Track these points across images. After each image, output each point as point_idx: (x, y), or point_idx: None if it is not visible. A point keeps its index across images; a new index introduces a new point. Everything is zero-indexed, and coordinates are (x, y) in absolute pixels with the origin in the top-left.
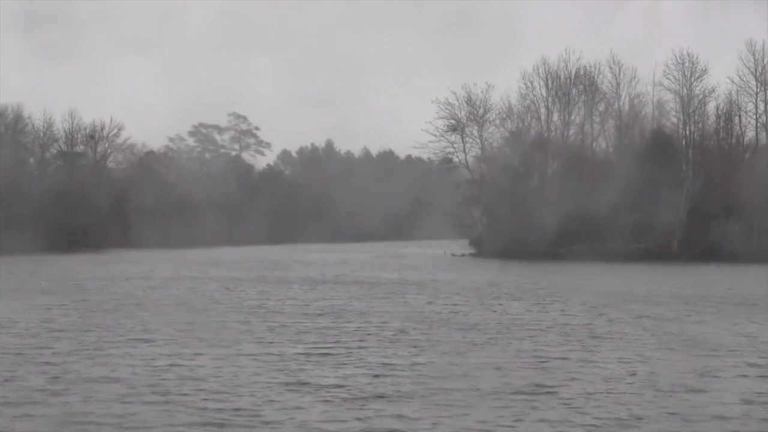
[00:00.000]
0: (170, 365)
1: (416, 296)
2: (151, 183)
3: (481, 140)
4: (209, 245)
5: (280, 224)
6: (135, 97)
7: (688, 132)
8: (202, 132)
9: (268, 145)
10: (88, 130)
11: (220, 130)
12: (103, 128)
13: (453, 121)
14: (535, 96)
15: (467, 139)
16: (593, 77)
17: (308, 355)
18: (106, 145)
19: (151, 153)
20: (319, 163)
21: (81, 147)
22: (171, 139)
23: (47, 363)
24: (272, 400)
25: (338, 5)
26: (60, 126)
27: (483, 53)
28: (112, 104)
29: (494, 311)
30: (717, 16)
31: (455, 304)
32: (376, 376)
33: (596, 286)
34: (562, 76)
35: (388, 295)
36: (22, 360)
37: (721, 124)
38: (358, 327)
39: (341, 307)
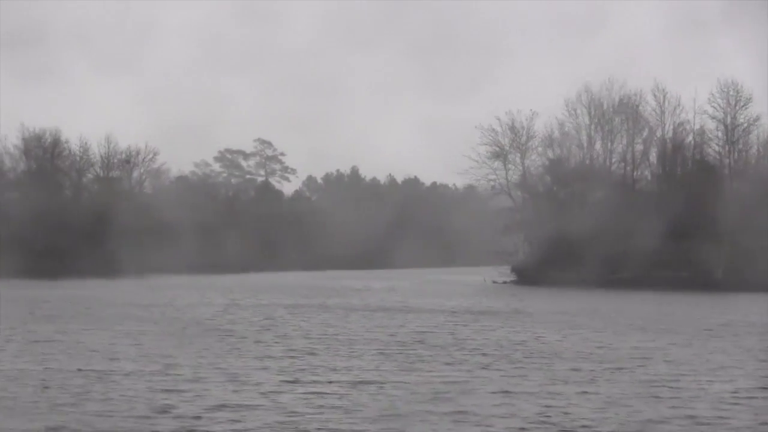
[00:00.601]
0: (313, 393)
1: (496, 325)
2: (180, 208)
3: (523, 167)
4: (237, 270)
5: (307, 250)
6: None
7: (731, 160)
8: (227, 157)
9: (293, 171)
10: (123, 155)
11: (246, 155)
12: (138, 153)
13: (496, 148)
14: (578, 124)
15: (509, 166)
16: (636, 105)
17: (445, 383)
18: (142, 171)
19: (183, 178)
20: (343, 190)
21: (117, 172)
22: (196, 164)
23: (183, 391)
24: (451, 430)
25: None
26: (96, 151)
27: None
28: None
29: (589, 341)
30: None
31: (542, 334)
32: (535, 404)
33: (659, 313)
34: (605, 104)
35: (466, 323)
36: (155, 386)
37: (764, 152)
38: (466, 356)
39: (429, 334)
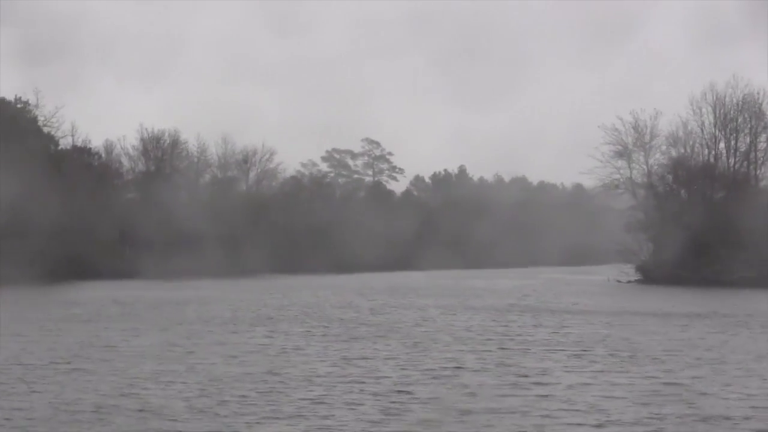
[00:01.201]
0: (539, 396)
1: (657, 326)
2: (294, 208)
3: (647, 166)
4: (351, 271)
5: (412, 249)
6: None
7: None
8: (335, 157)
9: (401, 170)
10: (240, 156)
11: (354, 155)
12: (255, 153)
13: (619, 147)
14: (702, 122)
15: (633, 165)
16: (759, 103)
17: (666, 384)
18: (259, 170)
19: (294, 178)
20: (452, 189)
21: (234, 172)
22: (303, 165)
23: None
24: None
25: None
26: (213, 151)
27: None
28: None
29: None
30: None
31: (717, 334)
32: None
33: None
34: (728, 103)
35: (628, 324)
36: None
37: None
38: (659, 356)
39: (601, 335)
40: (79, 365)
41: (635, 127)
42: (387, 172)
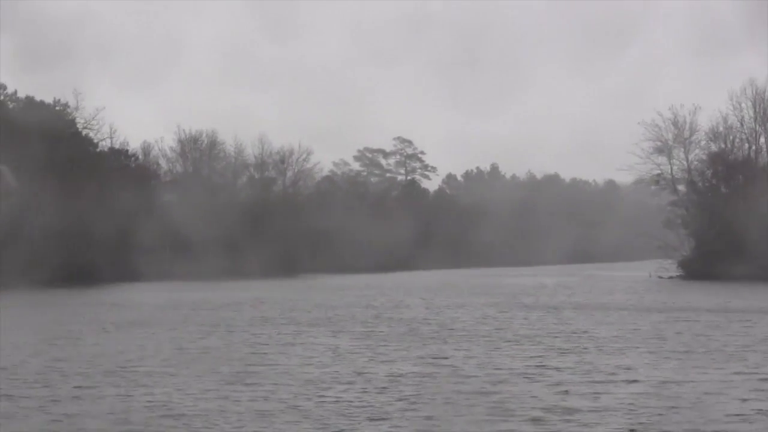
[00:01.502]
0: (635, 393)
1: (720, 322)
2: (329, 208)
3: (687, 162)
4: (385, 270)
5: (452, 248)
6: None
7: None
8: (367, 156)
9: (434, 169)
10: (278, 156)
11: (386, 154)
12: (291, 153)
13: (659, 143)
14: (742, 117)
15: (673, 161)
16: None
17: (762, 380)
18: (296, 170)
19: (328, 178)
20: (484, 187)
21: (272, 172)
22: (335, 164)
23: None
24: None
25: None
26: (250, 151)
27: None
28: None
29: None
30: None
31: None
32: None
33: None
34: None
35: (689, 320)
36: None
37: None
38: (734, 352)
39: (669, 331)
40: (157, 368)
41: (674, 123)
42: (419, 170)
